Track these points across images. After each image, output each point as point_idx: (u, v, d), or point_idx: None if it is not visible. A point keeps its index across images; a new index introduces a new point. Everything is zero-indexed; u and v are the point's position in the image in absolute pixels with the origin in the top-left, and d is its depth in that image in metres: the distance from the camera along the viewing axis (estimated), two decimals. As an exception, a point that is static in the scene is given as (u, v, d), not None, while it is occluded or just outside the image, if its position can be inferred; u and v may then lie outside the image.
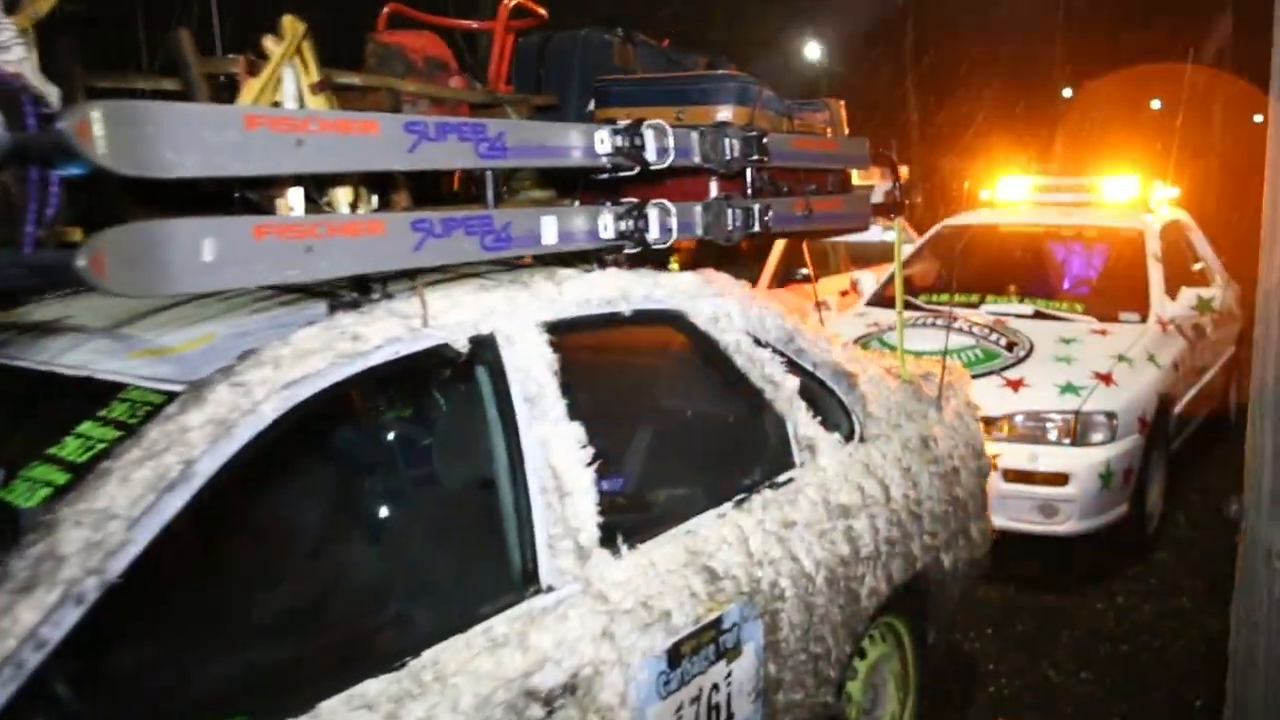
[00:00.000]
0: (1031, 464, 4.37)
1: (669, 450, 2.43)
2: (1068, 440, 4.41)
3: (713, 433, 2.51)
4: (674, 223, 2.18)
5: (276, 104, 1.77)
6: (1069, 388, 4.54)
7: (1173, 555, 4.88)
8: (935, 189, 19.48)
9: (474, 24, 2.71)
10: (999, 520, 4.44)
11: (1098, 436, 4.42)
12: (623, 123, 2.09)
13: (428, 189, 2.50)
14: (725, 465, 2.53)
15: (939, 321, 5.05)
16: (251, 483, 1.71)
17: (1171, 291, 5.49)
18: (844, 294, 6.99)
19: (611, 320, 2.33)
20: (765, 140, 2.40)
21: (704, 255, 2.67)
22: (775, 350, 2.67)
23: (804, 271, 7.10)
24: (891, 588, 2.80)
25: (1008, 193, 6.56)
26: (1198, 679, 3.66)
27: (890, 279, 6.18)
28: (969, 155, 19.65)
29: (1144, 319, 5.26)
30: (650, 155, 2.14)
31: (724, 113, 2.57)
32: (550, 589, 1.94)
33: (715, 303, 2.54)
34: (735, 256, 7.01)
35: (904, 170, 9.23)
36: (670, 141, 2.15)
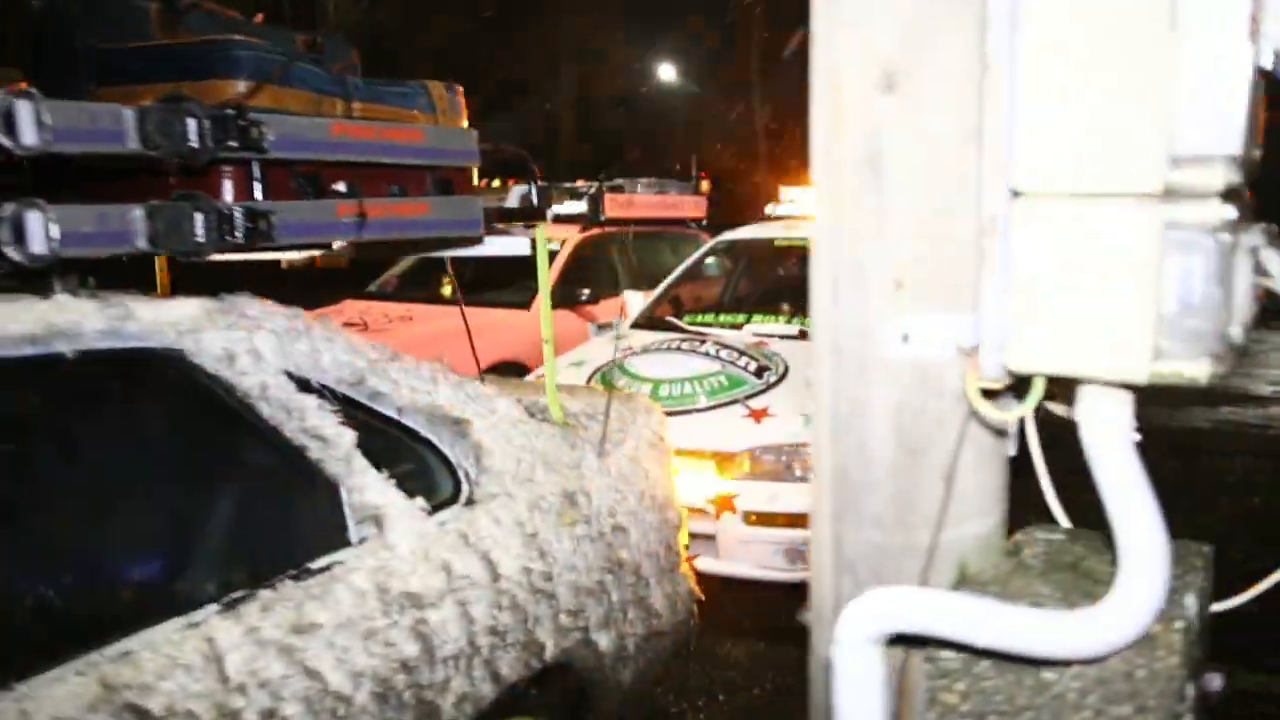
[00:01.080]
0: (772, 505, 3.89)
1: (124, 543, 1.81)
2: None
3: (208, 512, 1.90)
4: (58, 230, 1.56)
5: None
6: (818, 416, 4.09)
7: (943, 593, 4.49)
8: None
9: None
10: (743, 569, 3.97)
11: (846, 470, 3.98)
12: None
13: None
14: (222, 556, 1.91)
15: (684, 345, 4.58)
16: None
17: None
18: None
19: (48, 366, 1.71)
20: (254, 123, 1.81)
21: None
22: (334, 395, 2.09)
23: (586, 292, 6.60)
24: (502, 688, 2.23)
25: (788, 206, 6.18)
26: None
27: (662, 297, 5.72)
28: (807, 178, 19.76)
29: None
30: (26, 138, 1.52)
31: (239, 88, 1.99)
32: None
33: (231, 337, 1.94)
34: (508, 276, 6.45)
35: (705, 184, 8.74)
36: (51, 119, 1.54)
